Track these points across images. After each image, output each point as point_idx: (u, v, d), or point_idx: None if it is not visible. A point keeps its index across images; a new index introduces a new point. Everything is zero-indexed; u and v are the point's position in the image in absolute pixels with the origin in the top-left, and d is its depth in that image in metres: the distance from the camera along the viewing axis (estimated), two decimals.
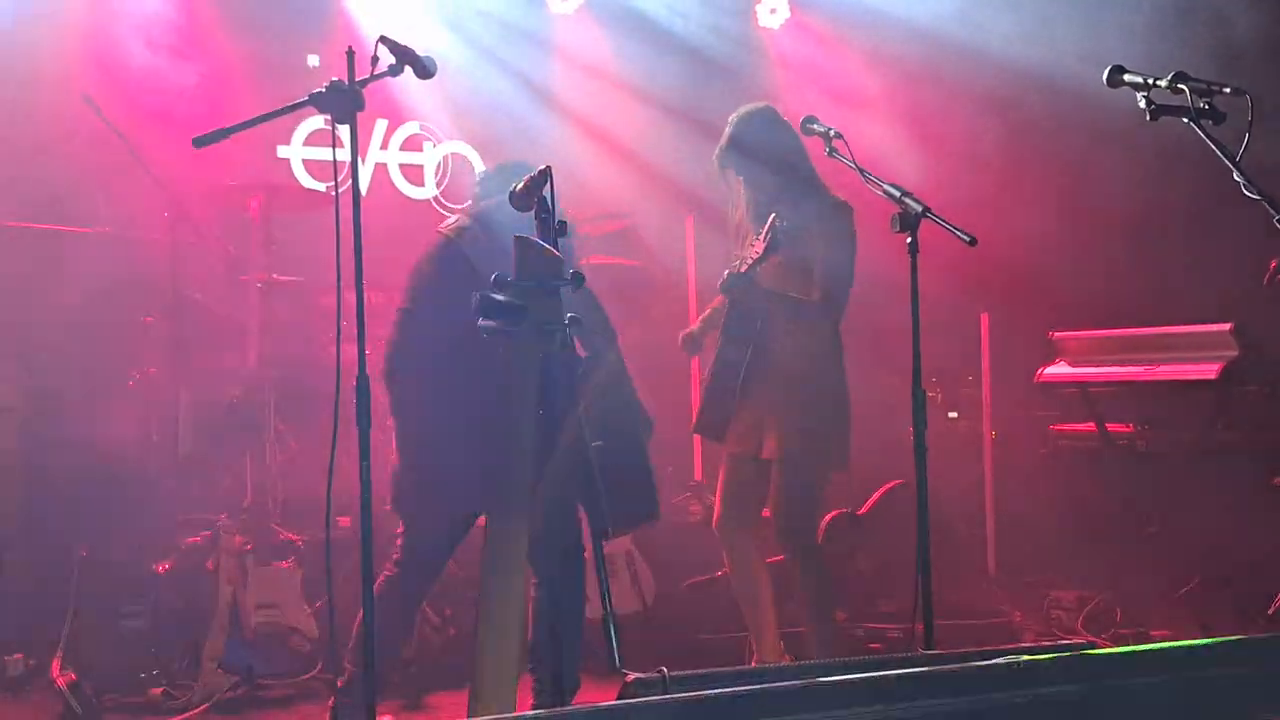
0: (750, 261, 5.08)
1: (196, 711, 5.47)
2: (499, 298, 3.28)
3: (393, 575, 4.76)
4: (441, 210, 8.55)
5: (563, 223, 3.49)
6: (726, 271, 5.21)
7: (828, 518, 6.66)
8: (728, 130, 5.43)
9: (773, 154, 5.33)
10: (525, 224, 3.63)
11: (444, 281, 4.73)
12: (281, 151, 8.26)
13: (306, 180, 8.22)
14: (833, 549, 6.49)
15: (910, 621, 4.47)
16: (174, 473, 6.62)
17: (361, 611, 4.48)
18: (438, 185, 8.78)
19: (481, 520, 4.42)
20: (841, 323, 5.37)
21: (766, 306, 5.27)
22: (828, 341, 5.35)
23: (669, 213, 8.06)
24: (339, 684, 4.56)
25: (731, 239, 5.61)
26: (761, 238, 5.02)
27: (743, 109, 5.48)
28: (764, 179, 5.37)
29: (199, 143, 3.76)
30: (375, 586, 4.47)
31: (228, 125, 3.88)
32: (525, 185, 3.54)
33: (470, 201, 5.19)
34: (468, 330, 4.01)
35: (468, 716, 3.57)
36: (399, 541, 4.83)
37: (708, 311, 5.73)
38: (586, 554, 4.35)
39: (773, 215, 5.03)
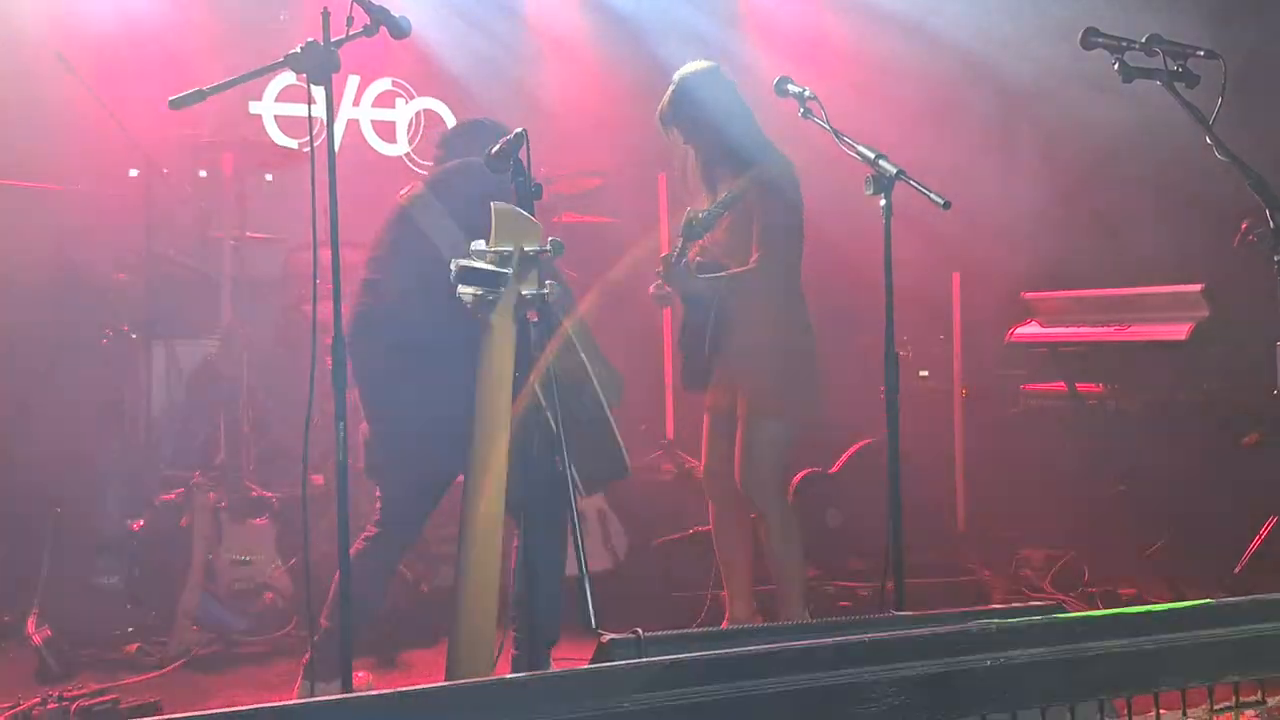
0: (675, 253, 5.11)
1: (171, 668, 5.48)
2: (477, 265, 3.27)
3: (371, 536, 4.76)
4: (413, 167, 8.53)
5: (538, 186, 3.48)
6: (662, 258, 5.22)
7: (798, 476, 6.71)
8: (670, 89, 5.37)
9: (715, 113, 5.29)
10: (484, 187, 3.62)
11: (400, 250, 4.74)
12: (253, 108, 8.23)
13: (279, 137, 8.20)
14: (804, 507, 6.54)
15: (880, 580, 4.50)
16: (147, 430, 6.62)
17: (338, 571, 4.52)
18: (410, 142, 8.76)
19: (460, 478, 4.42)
20: (799, 276, 5.34)
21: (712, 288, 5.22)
22: (781, 299, 5.30)
23: (642, 170, 8.03)
24: (314, 639, 4.58)
25: (689, 196, 5.55)
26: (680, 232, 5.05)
27: (686, 67, 5.41)
28: (707, 138, 5.34)
29: (176, 104, 3.74)
30: (353, 547, 4.49)
31: (199, 79, 3.88)
32: (501, 148, 3.52)
33: (432, 163, 5.19)
34: (429, 297, 4.01)
35: (445, 674, 3.58)
36: (378, 505, 4.83)
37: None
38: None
39: (688, 210, 5.06)
